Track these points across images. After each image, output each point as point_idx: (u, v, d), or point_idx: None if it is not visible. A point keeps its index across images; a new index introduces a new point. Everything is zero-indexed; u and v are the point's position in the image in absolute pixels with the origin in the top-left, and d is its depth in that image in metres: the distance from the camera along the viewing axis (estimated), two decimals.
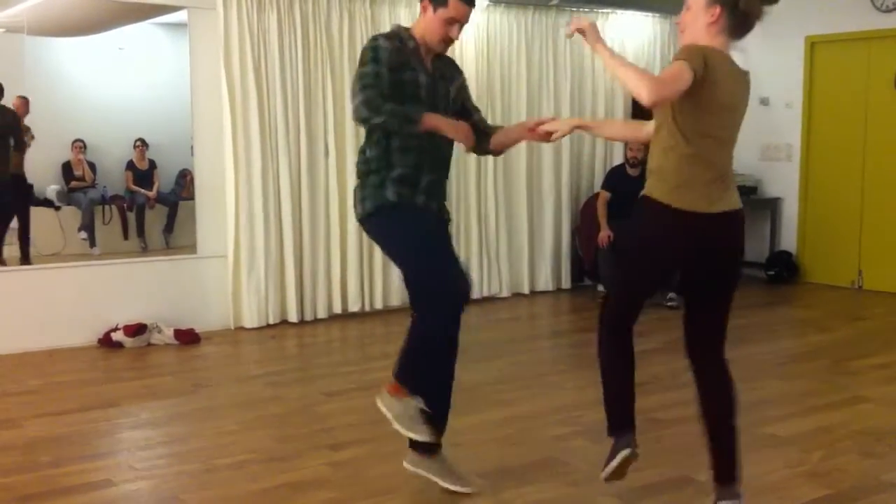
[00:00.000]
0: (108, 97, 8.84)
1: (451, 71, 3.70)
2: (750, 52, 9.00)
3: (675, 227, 3.05)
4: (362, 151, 3.57)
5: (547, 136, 3.51)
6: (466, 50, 7.64)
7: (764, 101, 8.92)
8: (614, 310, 3.24)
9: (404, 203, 3.47)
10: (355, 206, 3.57)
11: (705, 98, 2.92)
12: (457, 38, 3.57)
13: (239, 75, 6.67)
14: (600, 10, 8.33)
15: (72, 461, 4.11)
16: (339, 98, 7.06)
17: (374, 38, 3.45)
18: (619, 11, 8.40)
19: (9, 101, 7.62)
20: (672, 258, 3.15)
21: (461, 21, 3.53)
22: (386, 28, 7.25)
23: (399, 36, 3.53)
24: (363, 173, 3.54)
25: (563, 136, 3.38)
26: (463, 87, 3.73)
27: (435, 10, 3.50)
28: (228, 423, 4.65)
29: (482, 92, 7.66)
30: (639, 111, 8.48)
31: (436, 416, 3.58)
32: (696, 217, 3.02)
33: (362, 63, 3.39)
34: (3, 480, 3.88)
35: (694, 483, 3.79)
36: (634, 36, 8.56)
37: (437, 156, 3.56)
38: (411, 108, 3.36)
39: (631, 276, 3.24)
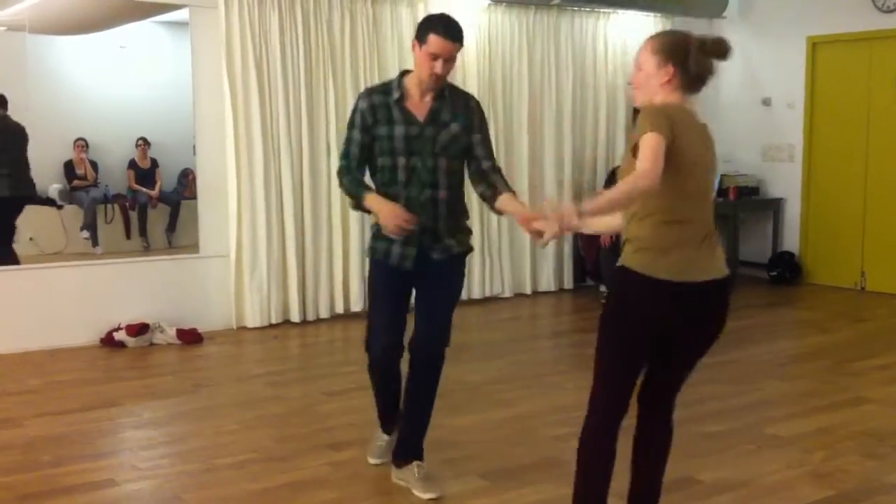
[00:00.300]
0: (110, 96, 8.85)
1: (452, 114, 3.64)
2: (752, 53, 9.03)
3: (658, 298, 2.82)
4: None
5: (538, 236, 2.97)
6: (468, 50, 7.63)
7: (766, 102, 8.92)
8: (603, 401, 2.94)
9: (377, 250, 3.73)
10: None
11: (675, 158, 2.75)
12: (442, 74, 3.52)
13: (241, 74, 6.67)
14: (601, 10, 8.33)
15: (73, 461, 4.11)
16: (340, 97, 7.06)
17: (358, 97, 3.72)
18: (621, 11, 8.39)
19: None
20: (657, 332, 2.89)
21: (442, 56, 3.49)
22: (386, 27, 7.30)
23: (385, 89, 3.67)
24: None
25: (554, 238, 2.75)
26: (464, 132, 3.66)
27: (420, 46, 3.53)
28: (230, 423, 4.65)
29: (483, 91, 7.66)
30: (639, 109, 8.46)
31: (402, 437, 3.85)
32: (681, 286, 2.81)
33: (348, 125, 3.72)
34: (4, 480, 3.88)
35: (695, 483, 3.78)
36: (636, 36, 8.55)
37: (417, 202, 3.62)
38: (357, 188, 3.66)
39: (616, 358, 2.92)
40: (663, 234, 2.83)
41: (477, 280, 7.86)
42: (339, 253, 7.15)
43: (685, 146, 2.79)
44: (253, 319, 6.82)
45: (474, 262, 7.83)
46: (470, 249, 3.84)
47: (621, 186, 2.74)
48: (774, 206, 8.93)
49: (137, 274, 6.69)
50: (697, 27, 8.96)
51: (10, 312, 6.12)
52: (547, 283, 8.35)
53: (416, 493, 3.68)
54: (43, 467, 4.03)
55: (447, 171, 3.67)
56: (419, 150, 3.61)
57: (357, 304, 7.23)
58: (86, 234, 8.71)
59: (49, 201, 8.91)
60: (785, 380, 5.47)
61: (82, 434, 4.50)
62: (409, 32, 7.37)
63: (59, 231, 8.74)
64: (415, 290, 3.77)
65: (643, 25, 8.56)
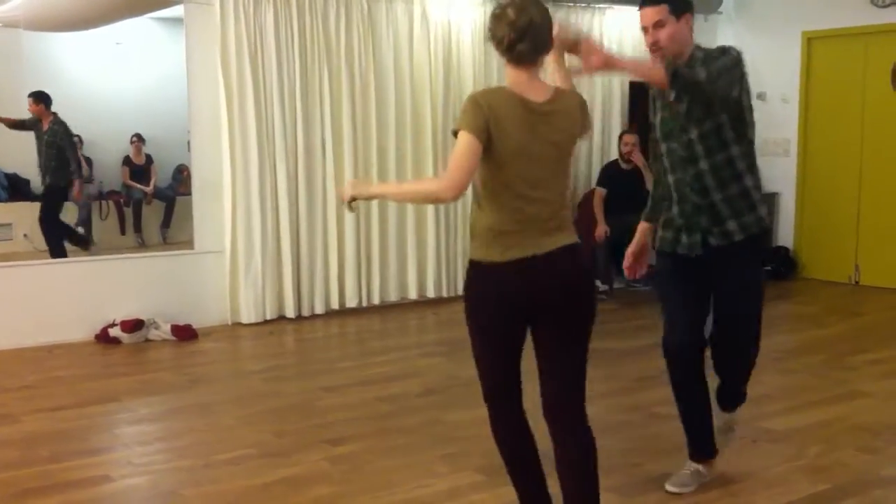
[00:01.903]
0: (105, 92, 8.85)
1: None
2: (747, 48, 9.03)
3: (490, 282, 2.85)
4: None
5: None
6: (463, 44, 7.64)
7: (761, 97, 8.90)
8: (483, 386, 3.02)
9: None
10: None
11: (494, 151, 2.73)
12: (652, 42, 3.44)
13: (236, 70, 6.66)
14: (597, 6, 8.33)
15: (70, 456, 4.11)
16: (335, 93, 7.05)
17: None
18: (616, 7, 8.39)
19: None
20: (502, 315, 2.87)
21: (646, 25, 3.46)
22: (382, 22, 7.30)
23: None
24: None
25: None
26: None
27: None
28: (226, 419, 4.65)
29: (479, 86, 7.62)
30: (635, 104, 8.48)
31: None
32: (515, 264, 2.79)
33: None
34: (1, 475, 3.88)
35: None
36: (631, 31, 8.55)
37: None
38: None
39: (477, 349, 3.00)
40: (489, 222, 2.85)
41: None
42: (333, 248, 7.15)
43: (505, 138, 2.74)
44: (248, 315, 6.82)
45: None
46: (759, 233, 3.50)
47: (411, 185, 3.01)
48: (769, 201, 8.92)
49: (132, 270, 6.69)
50: (694, 22, 8.96)
51: (6, 309, 6.11)
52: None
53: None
54: (40, 463, 4.03)
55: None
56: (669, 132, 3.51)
57: (352, 300, 7.24)
58: (81, 230, 8.69)
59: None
60: (780, 374, 5.48)
61: (79, 430, 4.50)
62: (404, 27, 7.37)
63: None
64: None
65: (638, 20, 8.55)
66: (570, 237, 2.88)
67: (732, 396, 3.76)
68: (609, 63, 3.09)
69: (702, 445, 3.68)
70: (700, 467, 3.69)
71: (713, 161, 3.40)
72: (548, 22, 2.93)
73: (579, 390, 2.90)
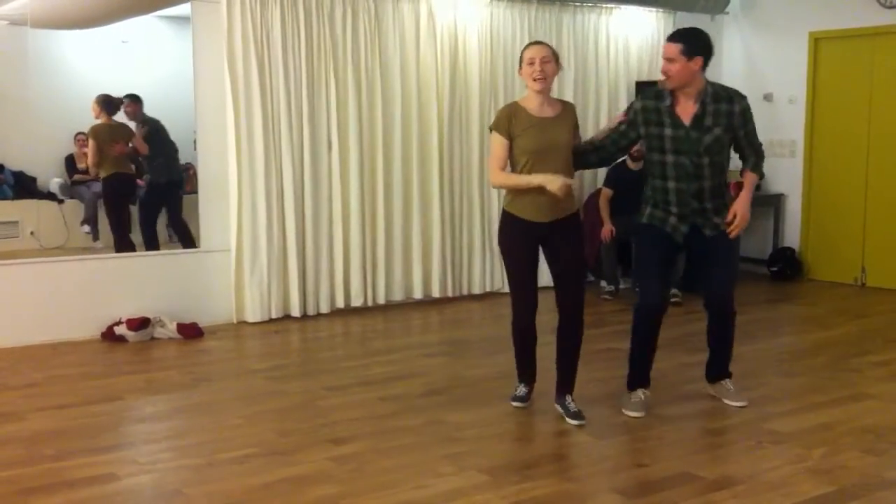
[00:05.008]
0: (112, 90, 8.82)
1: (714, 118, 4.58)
2: (754, 49, 9.02)
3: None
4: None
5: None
6: (469, 46, 7.63)
7: (767, 98, 8.91)
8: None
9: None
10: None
11: (515, 147, 4.37)
12: (664, 71, 4.45)
13: (242, 69, 6.66)
14: (603, 6, 8.32)
15: (75, 454, 4.12)
16: (341, 92, 7.06)
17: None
18: (623, 7, 8.38)
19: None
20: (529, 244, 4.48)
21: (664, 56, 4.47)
22: (388, 21, 7.30)
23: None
24: None
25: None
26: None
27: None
28: (231, 418, 4.66)
29: (485, 86, 7.66)
30: None
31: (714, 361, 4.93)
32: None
33: None
34: (6, 473, 3.89)
35: (695, 479, 3.79)
36: (637, 31, 8.55)
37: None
38: None
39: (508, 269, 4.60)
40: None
41: (477, 275, 7.87)
42: (339, 247, 7.16)
43: (522, 140, 4.37)
44: (253, 314, 6.83)
45: (474, 258, 7.84)
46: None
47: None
48: (775, 202, 8.93)
49: (138, 268, 6.70)
50: (700, 23, 8.93)
51: (12, 307, 6.13)
52: (547, 278, 8.23)
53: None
54: (45, 461, 4.04)
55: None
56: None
57: (357, 299, 7.25)
58: (87, 228, 8.71)
59: (50, 196, 8.91)
60: (785, 376, 5.47)
61: (84, 428, 4.51)
62: (410, 27, 7.38)
63: (60, 225, 8.74)
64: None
65: (645, 21, 8.56)
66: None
67: (720, 368, 4.86)
68: (745, 216, 4.50)
69: (646, 377, 4.70)
70: (646, 392, 4.68)
71: (714, 181, 4.50)
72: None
73: (576, 291, 4.56)
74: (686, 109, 4.41)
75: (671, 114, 4.42)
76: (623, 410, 4.60)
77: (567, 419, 4.45)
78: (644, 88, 7.09)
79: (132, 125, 8.20)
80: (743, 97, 4.49)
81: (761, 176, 4.73)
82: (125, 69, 9.66)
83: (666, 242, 4.57)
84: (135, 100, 8.21)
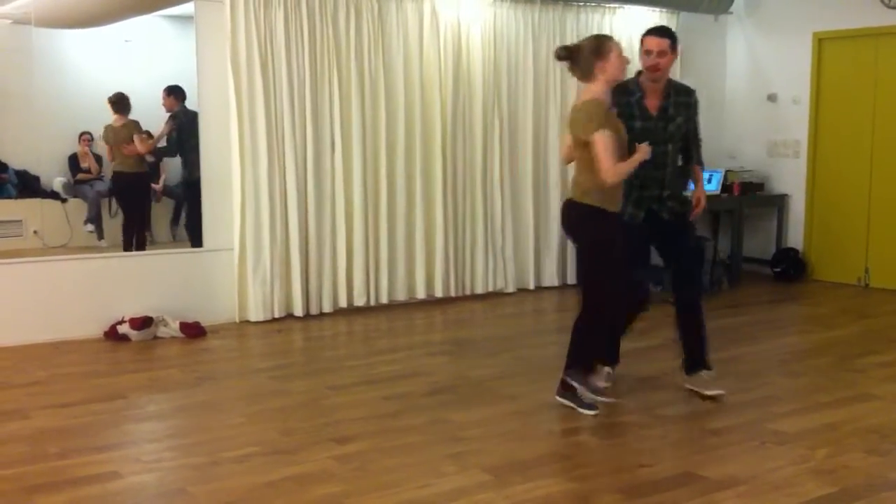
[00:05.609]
0: (115, 90, 8.84)
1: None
2: (758, 49, 9.01)
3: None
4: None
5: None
6: (473, 45, 7.63)
7: (771, 98, 8.91)
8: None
9: None
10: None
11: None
12: (650, 65, 4.74)
13: (245, 69, 6.67)
14: (608, 5, 8.32)
15: (78, 453, 4.12)
16: (345, 92, 7.06)
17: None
18: (627, 6, 8.38)
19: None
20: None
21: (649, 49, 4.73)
22: (392, 21, 7.30)
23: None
24: None
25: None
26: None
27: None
28: (234, 417, 4.66)
29: (489, 86, 7.66)
30: None
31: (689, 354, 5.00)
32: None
33: None
34: (10, 471, 3.89)
35: (699, 479, 3.79)
36: (641, 31, 8.52)
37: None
38: None
39: None
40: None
41: (480, 275, 7.87)
42: (342, 246, 7.16)
43: None
44: (256, 313, 6.83)
45: (477, 258, 7.83)
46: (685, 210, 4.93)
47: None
48: (779, 202, 8.92)
49: (141, 267, 6.70)
50: (704, 23, 8.96)
51: (16, 305, 6.14)
52: (550, 278, 8.35)
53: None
54: (48, 459, 4.04)
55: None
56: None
57: (360, 299, 7.25)
58: (90, 227, 8.71)
59: (53, 195, 8.92)
60: (789, 376, 5.47)
61: (87, 426, 4.51)
62: (414, 27, 7.38)
63: (63, 224, 8.74)
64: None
65: (649, 21, 8.54)
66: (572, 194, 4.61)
67: (695, 358, 4.92)
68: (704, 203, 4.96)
69: (615, 354, 5.03)
70: (610, 369, 5.00)
71: (673, 168, 4.80)
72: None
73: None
74: (653, 102, 4.73)
75: (641, 106, 4.72)
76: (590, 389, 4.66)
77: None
78: None
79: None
80: (694, 91, 4.91)
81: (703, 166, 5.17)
82: (128, 69, 9.66)
83: (633, 231, 4.78)
84: (170, 92, 8.12)
